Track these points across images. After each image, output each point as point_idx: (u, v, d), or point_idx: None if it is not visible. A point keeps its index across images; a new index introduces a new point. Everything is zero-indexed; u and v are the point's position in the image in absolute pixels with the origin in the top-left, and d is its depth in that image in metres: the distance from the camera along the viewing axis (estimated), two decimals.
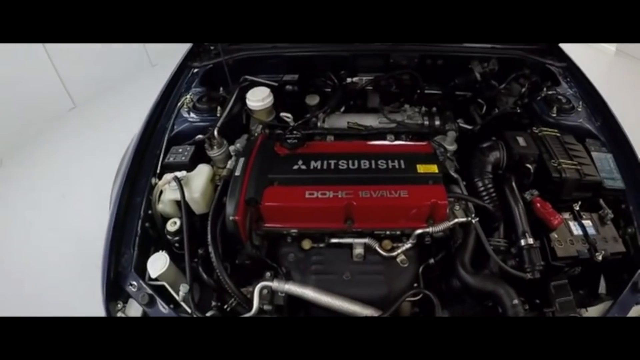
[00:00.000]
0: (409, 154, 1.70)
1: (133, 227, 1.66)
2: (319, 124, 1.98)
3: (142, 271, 1.58)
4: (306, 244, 1.62)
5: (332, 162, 1.65)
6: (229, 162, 1.77)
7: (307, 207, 1.55)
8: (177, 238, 1.63)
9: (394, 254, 1.56)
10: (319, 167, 1.64)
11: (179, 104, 2.02)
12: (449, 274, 1.63)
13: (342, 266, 1.56)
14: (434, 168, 1.63)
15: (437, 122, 1.99)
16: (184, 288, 1.46)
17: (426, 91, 2.18)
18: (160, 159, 1.80)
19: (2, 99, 3.67)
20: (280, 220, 1.59)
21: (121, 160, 2.10)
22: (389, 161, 1.65)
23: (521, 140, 1.77)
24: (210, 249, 1.51)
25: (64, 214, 3.18)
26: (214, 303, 1.61)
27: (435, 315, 1.45)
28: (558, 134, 1.83)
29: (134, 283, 1.51)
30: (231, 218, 1.50)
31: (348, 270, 1.54)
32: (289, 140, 1.69)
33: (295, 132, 1.72)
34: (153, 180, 1.76)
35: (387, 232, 1.60)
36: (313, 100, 2.03)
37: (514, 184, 1.68)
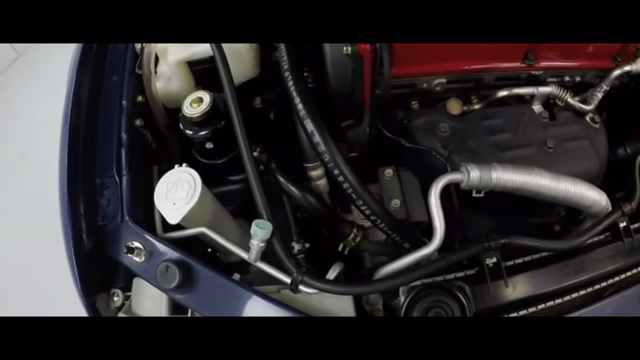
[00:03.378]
0: None
1: (111, 131, 0.69)
2: None
3: (146, 218, 0.66)
4: (455, 107, 0.73)
5: None
6: None
7: None
8: (206, 131, 0.67)
9: (590, 107, 0.78)
10: None
11: None
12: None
13: (533, 131, 0.74)
14: None
15: None
16: (261, 230, 0.54)
17: None
18: None
19: None
20: (422, 61, 0.68)
21: None
22: None
23: None
24: (313, 128, 0.57)
25: (26, 176, 2.19)
26: (297, 246, 0.71)
27: None
28: None
29: (139, 245, 0.60)
30: (348, 50, 0.59)
31: (544, 135, 0.73)
32: None
33: None
34: (137, 45, 0.75)
35: (567, 78, 0.81)
36: None
37: None
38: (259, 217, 0.59)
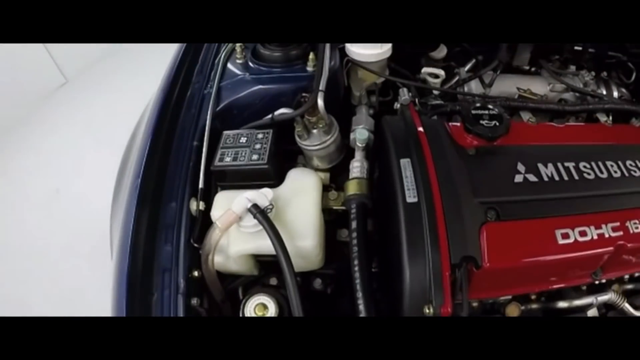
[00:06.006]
0: None
1: (167, 312, 0.62)
2: (471, 88, 0.93)
3: None
4: (514, 311, 0.68)
5: (570, 165, 0.68)
6: (354, 165, 0.70)
7: (560, 261, 0.61)
8: None
9: None
10: (555, 176, 0.66)
11: (222, 52, 0.87)
12: None
13: None
14: None
15: (616, 93, 1.02)
16: None
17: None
18: (204, 159, 0.73)
19: None
20: (494, 289, 0.64)
21: (123, 159, 0.98)
22: (638, 162, 0.74)
23: None
24: None
25: (59, 215, 2.01)
26: None
27: None
28: None
29: None
30: (430, 311, 0.52)
31: None
32: (483, 123, 0.68)
33: (489, 105, 0.69)
34: (193, 206, 0.69)
35: (626, 277, 0.76)
36: (440, 52, 0.98)
37: None
38: None
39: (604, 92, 1.05)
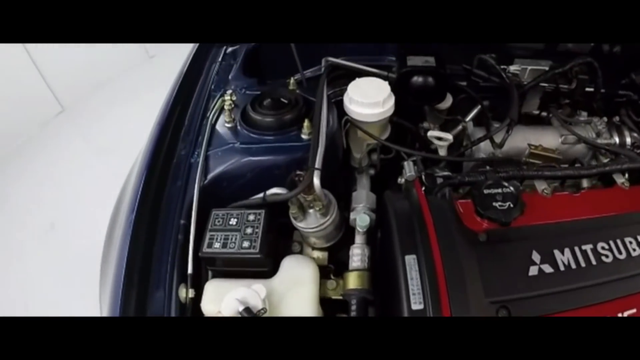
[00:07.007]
0: None
1: None
2: (480, 147, 0.89)
3: None
4: None
5: (588, 248, 0.63)
6: (355, 253, 0.66)
7: None
8: None
9: None
10: (572, 264, 0.61)
11: (210, 114, 0.83)
12: None
13: None
14: None
15: (629, 139, 0.99)
16: None
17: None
18: (192, 242, 0.68)
19: None
20: None
21: (108, 232, 0.91)
22: None
23: None
24: None
25: (54, 251, 1.92)
26: None
27: None
28: None
29: None
30: None
31: None
32: (496, 205, 0.61)
33: (504, 180, 0.64)
34: (182, 293, 0.64)
35: None
36: (445, 103, 0.93)
37: None
38: None
39: (617, 139, 1.00)
